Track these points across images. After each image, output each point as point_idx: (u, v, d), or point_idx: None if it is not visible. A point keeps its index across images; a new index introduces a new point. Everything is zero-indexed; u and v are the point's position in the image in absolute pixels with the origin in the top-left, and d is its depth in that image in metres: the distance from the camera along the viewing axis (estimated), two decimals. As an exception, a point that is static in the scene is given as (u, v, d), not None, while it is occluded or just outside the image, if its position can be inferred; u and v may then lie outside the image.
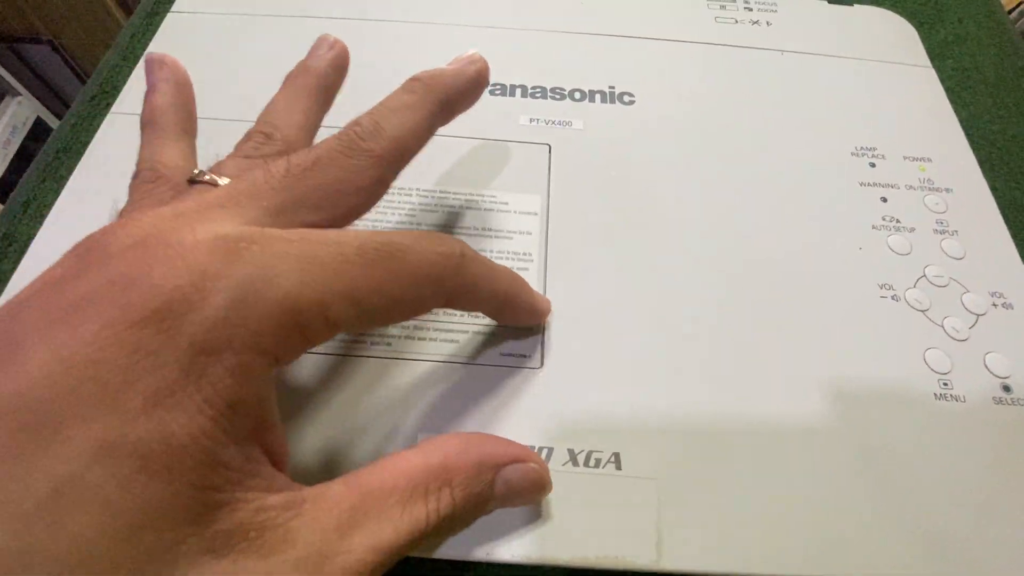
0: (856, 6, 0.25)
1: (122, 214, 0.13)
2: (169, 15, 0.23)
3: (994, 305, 0.17)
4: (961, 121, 0.39)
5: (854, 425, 0.15)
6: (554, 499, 0.14)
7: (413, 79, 0.15)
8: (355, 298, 0.11)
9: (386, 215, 0.18)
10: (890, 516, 0.14)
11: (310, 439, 0.14)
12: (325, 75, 0.16)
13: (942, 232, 0.19)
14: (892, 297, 0.17)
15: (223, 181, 0.13)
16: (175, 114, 0.15)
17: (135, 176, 0.14)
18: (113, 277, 0.09)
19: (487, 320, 0.16)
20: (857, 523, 0.14)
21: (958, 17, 0.43)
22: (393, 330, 0.16)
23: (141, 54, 0.35)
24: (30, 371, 0.08)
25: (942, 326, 0.17)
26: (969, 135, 0.37)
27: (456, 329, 0.16)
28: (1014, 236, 0.31)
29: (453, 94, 0.15)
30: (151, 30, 0.37)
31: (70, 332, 0.09)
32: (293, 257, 0.10)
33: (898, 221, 0.19)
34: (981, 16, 0.44)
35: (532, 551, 0.13)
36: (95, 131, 0.32)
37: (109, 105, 0.33)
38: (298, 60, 0.16)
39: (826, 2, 0.25)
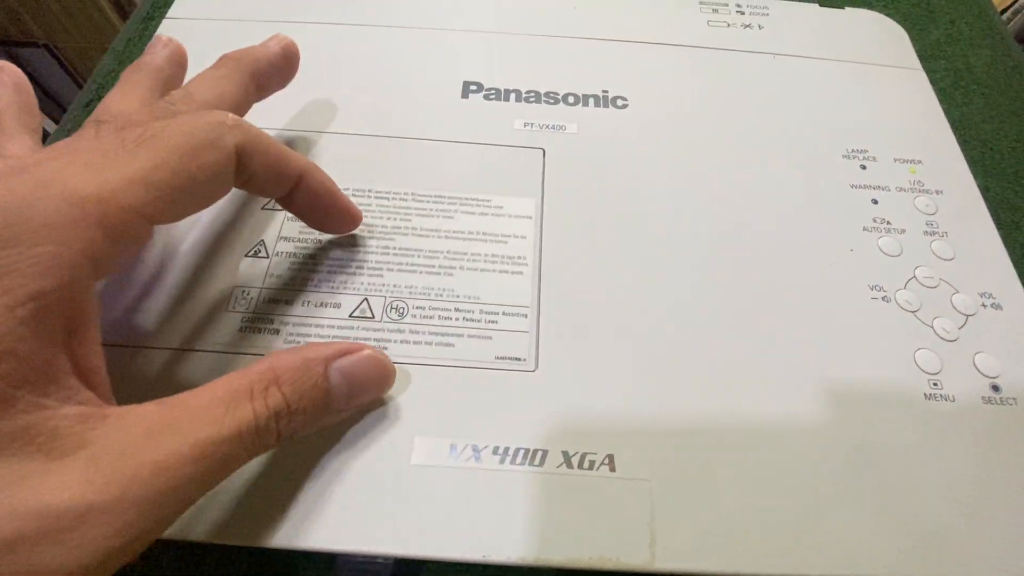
0: (847, 9, 0.25)
1: None
2: (165, 20, 0.23)
3: (983, 306, 0.18)
4: (954, 122, 0.39)
5: (845, 425, 0.16)
6: (549, 501, 0.14)
7: (223, 56, 0.17)
8: (141, 180, 0.12)
9: (381, 219, 0.18)
10: (881, 514, 0.14)
11: (303, 441, 0.14)
12: (159, 69, 0.17)
13: (932, 233, 0.19)
14: (883, 298, 0.18)
15: None
16: (14, 114, 0.15)
17: None
18: None
19: (482, 323, 0.16)
20: (848, 522, 0.14)
21: (950, 18, 0.44)
22: (388, 335, 0.16)
23: (135, 57, 0.35)
24: None
25: (932, 327, 0.17)
26: (962, 136, 0.37)
27: (451, 333, 0.16)
28: (1007, 236, 0.32)
29: (262, 67, 0.17)
30: (147, 35, 0.37)
31: None
32: (76, 164, 0.11)
33: (889, 223, 0.19)
34: (972, 17, 0.44)
35: (527, 552, 0.13)
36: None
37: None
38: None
39: (817, 5, 0.25)
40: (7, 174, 0.11)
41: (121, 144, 0.12)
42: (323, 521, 0.13)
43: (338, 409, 0.13)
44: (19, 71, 0.16)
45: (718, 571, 0.14)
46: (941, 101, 0.40)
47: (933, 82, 0.41)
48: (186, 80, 0.17)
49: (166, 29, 0.23)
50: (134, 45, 0.36)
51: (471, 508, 0.14)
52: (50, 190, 0.11)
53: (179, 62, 0.18)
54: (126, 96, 0.16)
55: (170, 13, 0.23)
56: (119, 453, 0.10)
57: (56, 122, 1.38)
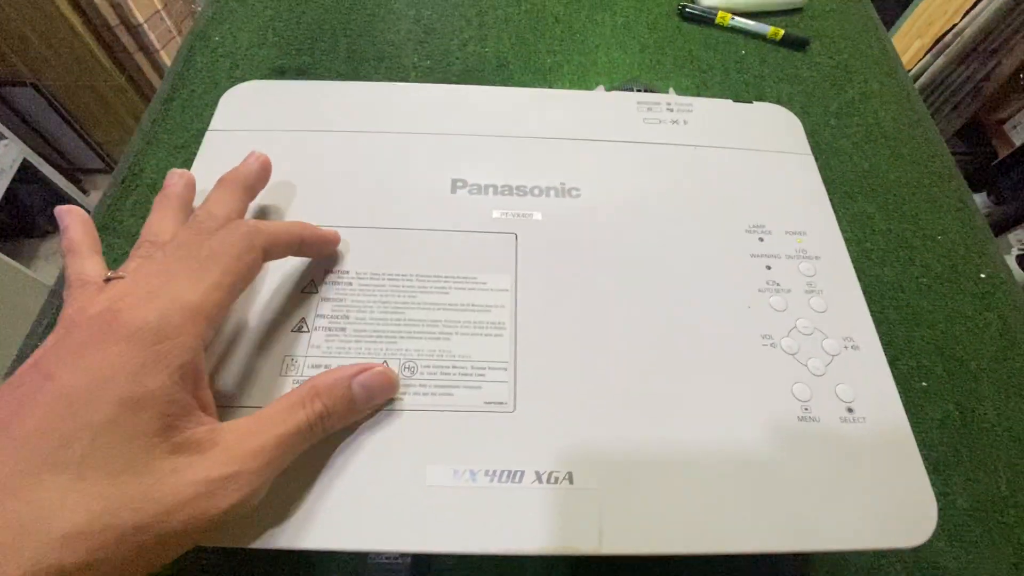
0: (755, 103, 0.32)
1: (64, 311, 0.19)
2: (208, 133, 0.28)
3: (845, 347, 0.24)
4: (864, 171, 0.46)
5: (741, 441, 0.21)
6: (526, 507, 0.20)
7: (221, 180, 0.24)
8: (219, 284, 0.19)
9: (394, 296, 0.24)
10: (765, 504, 0.20)
11: (343, 466, 0.20)
12: (181, 195, 0.24)
13: (811, 291, 0.25)
14: (771, 344, 0.24)
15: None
16: (86, 242, 0.22)
17: (68, 287, 0.20)
18: (96, 331, 0.17)
19: (473, 377, 0.22)
20: (741, 510, 0.20)
21: (864, 77, 0.51)
22: (404, 388, 0.22)
23: (162, 138, 0.41)
24: (63, 381, 0.16)
25: (806, 365, 0.23)
26: (870, 184, 0.45)
27: (450, 385, 0.22)
28: (904, 270, 0.39)
29: (250, 181, 0.24)
30: (169, 115, 0.42)
31: (84, 360, 0.16)
32: (182, 283, 0.19)
33: (778, 284, 0.25)
34: (884, 75, 0.52)
35: (511, 545, 0.19)
36: (127, 209, 0.37)
37: (138, 187, 0.39)
38: (318, 164, 0.26)
39: (731, 101, 0.32)
40: (147, 299, 0.18)
41: (195, 260, 0.19)
42: (361, 527, 0.19)
43: (360, 410, 0.21)
44: (82, 212, 0.23)
45: (649, 551, 0.19)
46: (853, 153, 0.47)
47: (846, 136, 0.48)
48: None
49: (209, 141, 0.28)
50: (159, 125, 0.42)
51: (470, 515, 0.19)
52: (175, 304, 0.18)
53: (192, 187, 0.25)
54: (164, 220, 0.23)
55: (211, 126, 0.29)
56: (236, 446, 0.18)
57: (45, 159, 1.39)
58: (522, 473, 0.20)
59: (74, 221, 0.22)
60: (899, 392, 0.23)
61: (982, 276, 0.39)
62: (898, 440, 0.22)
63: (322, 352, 0.22)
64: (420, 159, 0.28)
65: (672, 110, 0.31)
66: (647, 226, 0.27)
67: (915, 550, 0.29)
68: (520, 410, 0.22)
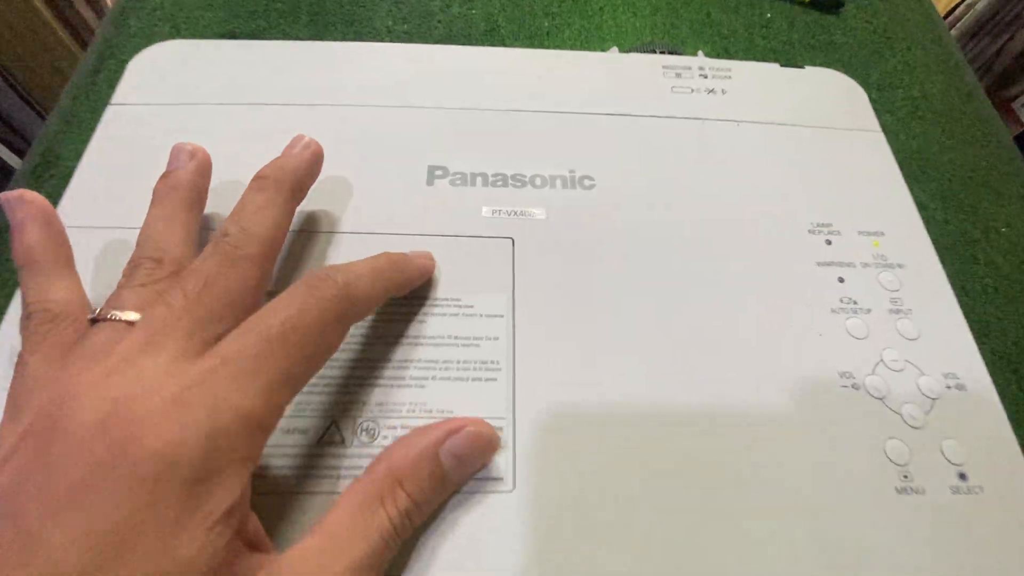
0: (808, 68, 0.26)
1: (23, 357, 0.14)
2: (109, 107, 0.22)
3: (948, 387, 0.18)
4: (911, 152, 0.40)
5: (821, 521, 0.16)
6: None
7: (260, 177, 0.17)
8: (287, 378, 0.13)
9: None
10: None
11: None
12: (194, 185, 0.17)
13: (897, 312, 0.19)
14: (852, 386, 0.18)
15: (127, 316, 0.14)
16: (51, 250, 0.15)
17: (27, 318, 0.14)
18: (98, 459, 0.11)
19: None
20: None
21: (907, 44, 0.45)
22: (360, 461, 0.16)
23: (85, 117, 0.34)
24: (54, 552, 0.10)
25: (900, 413, 0.17)
26: (920, 167, 0.38)
27: (425, 454, 0.16)
28: (965, 269, 0.33)
29: (299, 181, 0.17)
30: (94, 90, 0.35)
31: (85, 515, 0.11)
32: (227, 379, 0.12)
33: (855, 303, 0.19)
34: (928, 42, 0.45)
35: None
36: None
37: (53, 177, 0.32)
38: (251, 148, 0.18)
39: (778, 65, 0.25)
40: (178, 402, 0.12)
41: (249, 350, 0.13)
42: None
43: (455, 484, 0.15)
44: (45, 201, 0.16)
45: None
46: (899, 131, 0.41)
47: (890, 111, 0.42)
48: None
49: (112, 116, 0.22)
50: (80, 103, 0.35)
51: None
52: (224, 414, 0.12)
53: (206, 172, 0.18)
54: (173, 225, 0.16)
55: (114, 99, 0.22)
56: None
57: (7, 145, 1.31)
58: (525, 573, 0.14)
59: (31, 216, 0.16)
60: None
61: (1056, 275, 0.34)
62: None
63: (247, 410, 0.16)
64: (385, 140, 0.22)
65: (707, 76, 0.24)
66: (680, 227, 0.20)
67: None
68: (522, 490, 0.16)
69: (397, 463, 0.14)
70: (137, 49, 0.37)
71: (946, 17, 1.43)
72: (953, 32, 1.40)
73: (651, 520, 0.15)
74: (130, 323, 0.14)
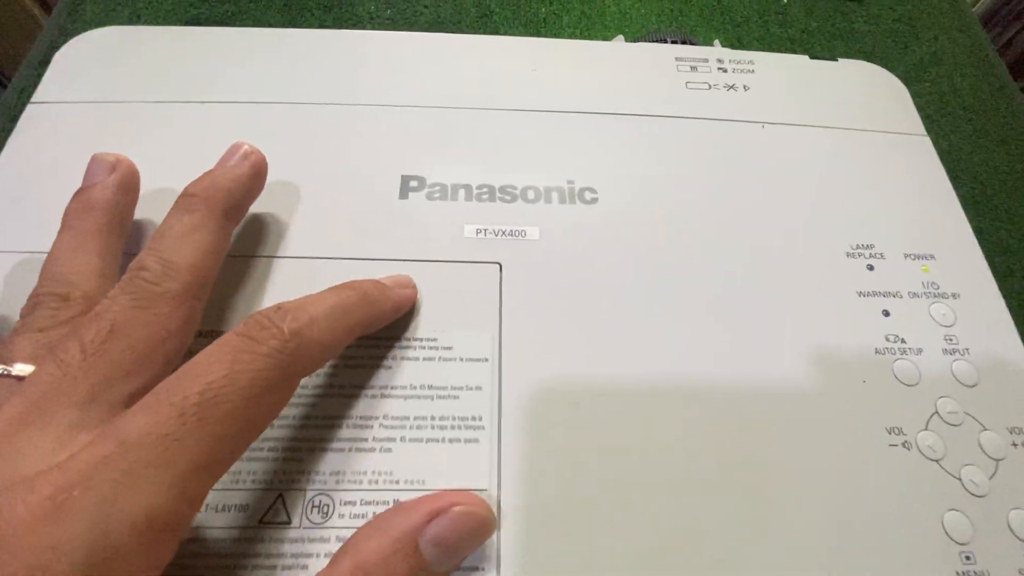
0: (841, 60, 0.22)
1: None
2: (28, 106, 0.19)
3: (1014, 444, 0.15)
4: (942, 151, 0.36)
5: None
6: None
7: (187, 195, 0.14)
8: (208, 463, 0.10)
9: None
10: None
11: None
12: (113, 204, 0.15)
13: (952, 352, 0.16)
14: (903, 444, 0.15)
15: (17, 370, 0.12)
16: None
17: None
18: None
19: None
20: None
21: (934, 34, 0.42)
22: (309, 545, 0.13)
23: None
24: None
25: (959, 479, 0.15)
26: (951, 169, 0.35)
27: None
28: (1001, 283, 0.30)
29: (235, 199, 0.15)
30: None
31: None
32: (125, 472, 0.10)
33: (904, 341, 0.16)
34: (955, 31, 0.42)
35: None
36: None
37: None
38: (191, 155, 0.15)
39: (807, 57, 0.22)
40: (50, 513, 0.09)
41: (157, 431, 0.10)
42: None
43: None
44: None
45: None
46: (929, 130, 0.37)
47: (918, 107, 0.38)
48: None
49: (30, 116, 0.18)
50: (28, 94, 0.31)
51: None
52: (114, 526, 0.09)
53: (131, 188, 0.15)
54: (83, 252, 0.14)
55: (34, 97, 0.19)
56: None
57: None
58: None
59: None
60: None
61: (1102, 290, 0.31)
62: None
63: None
64: (351, 145, 0.18)
65: (726, 70, 0.21)
66: (695, 250, 0.17)
67: None
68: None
69: (366, 558, 0.11)
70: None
71: (957, 5, 1.39)
72: (964, 20, 1.36)
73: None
74: (20, 379, 0.11)
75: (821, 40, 0.40)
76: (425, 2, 0.38)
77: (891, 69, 0.39)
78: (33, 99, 0.19)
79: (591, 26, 0.38)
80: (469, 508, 0.12)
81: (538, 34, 0.37)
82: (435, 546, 0.12)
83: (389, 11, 0.37)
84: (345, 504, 0.13)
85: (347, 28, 0.36)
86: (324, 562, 0.13)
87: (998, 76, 0.40)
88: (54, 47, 0.33)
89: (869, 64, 0.23)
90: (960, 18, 0.42)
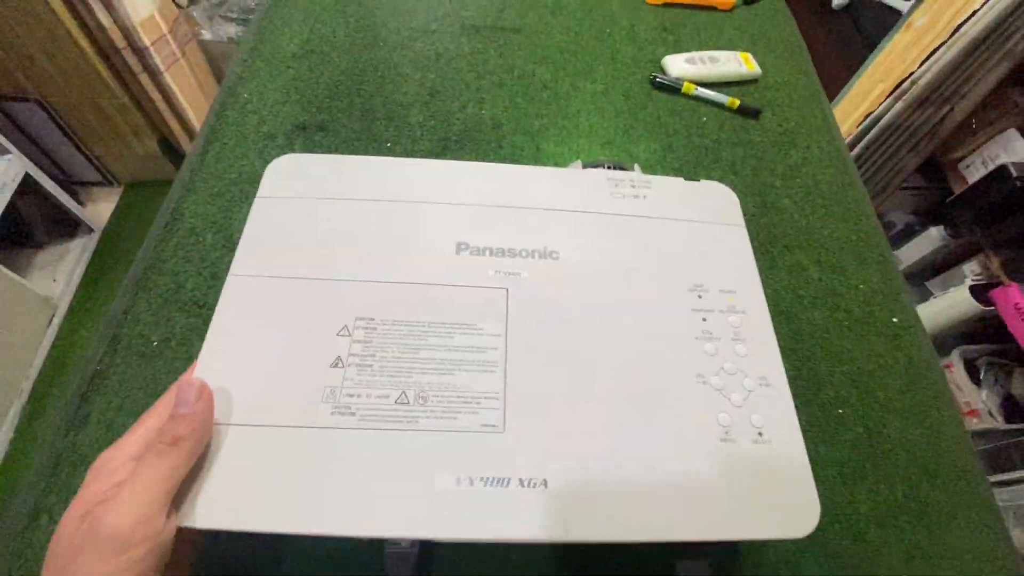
0: (702, 181, 0.39)
1: None
2: (256, 200, 0.35)
3: (760, 384, 0.31)
4: (801, 228, 0.54)
5: (675, 459, 0.28)
6: (513, 507, 0.26)
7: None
8: None
9: (409, 340, 0.30)
10: (691, 503, 0.27)
11: (330, 480, 0.26)
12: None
13: (736, 339, 0.32)
14: (702, 382, 0.31)
15: None
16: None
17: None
18: None
19: (472, 404, 0.29)
20: (675, 508, 0.27)
21: (807, 143, 0.60)
22: (418, 413, 0.28)
23: (199, 186, 0.47)
24: None
25: (729, 399, 0.30)
26: (806, 239, 0.52)
27: (454, 411, 0.28)
28: (830, 315, 0.46)
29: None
30: (204, 166, 0.48)
31: None
32: None
33: (711, 334, 0.32)
34: (824, 142, 0.60)
35: (495, 534, 0.25)
36: (169, 251, 0.43)
37: (179, 230, 0.45)
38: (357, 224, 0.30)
39: (683, 179, 0.39)
40: None
41: None
42: (384, 519, 0.25)
43: (189, 414, 0.25)
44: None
45: (603, 539, 0.26)
46: (795, 211, 0.55)
47: (789, 195, 0.56)
48: None
49: (258, 206, 0.35)
50: (196, 175, 0.48)
51: (469, 512, 0.26)
52: None
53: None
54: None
55: (259, 193, 0.35)
56: None
57: (47, 174, 1.43)
58: (508, 480, 0.27)
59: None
60: (820, 417, 0.29)
61: (894, 320, 0.47)
62: (796, 458, 0.29)
63: (355, 384, 0.29)
64: (432, 225, 0.35)
65: (635, 187, 0.38)
66: (612, 284, 0.34)
67: (825, 546, 0.36)
68: (508, 431, 0.28)
69: (157, 433, 0.25)
70: (234, 135, 0.51)
71: (895, 89, 1.61)
72: (900, 103, 1.58)
73: (584, 449, 0.28)
74: None
75: (727, 147, 0.57)
76: (457, 115, 0.55)
77: (774, 168, 0.57)
78: (258, 195, 0.35)
79: (568, 136, 0.55)
80: (185, 379, 0.27)
81: (533, 140, 0.55)
82: (178, 404, 0.25)
83: (433, 121, 0.55)
84: (434, 396, 0.29)
85: (404, 131, 0.53)
86: (425, 421, 0.28)
87: (849, 175, 0.57)
88: (209, 142, 0.50)
89: (717, 184, 0.39)
90: (828, 132, 0.60)
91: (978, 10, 1.42)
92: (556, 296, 0.33)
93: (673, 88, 0.60)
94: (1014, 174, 1.42)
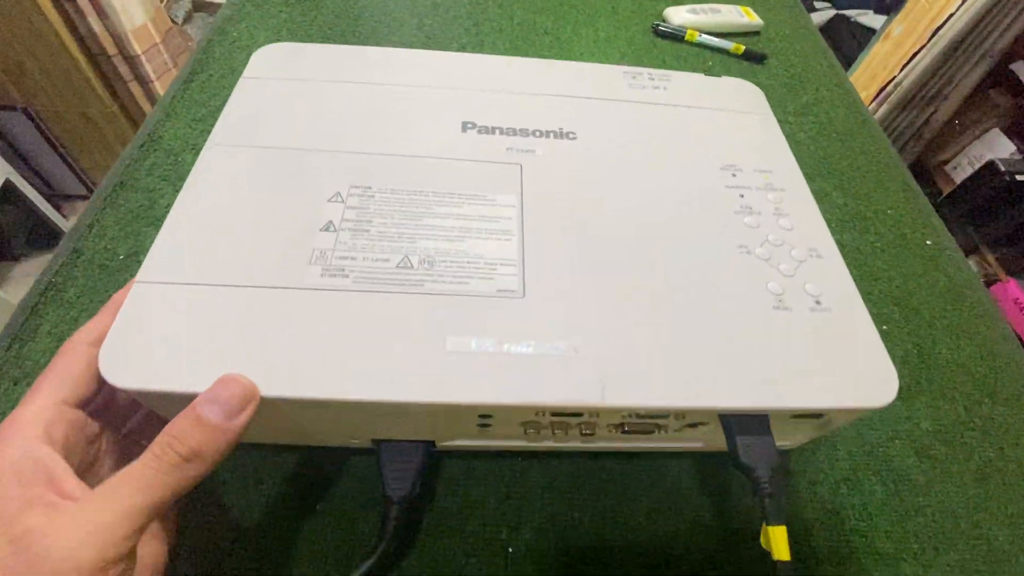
0: (724, 77, 0.37)
1: None
2: (241, 80, 0.31)
3: (811, 256, 0.27)
4: (819, 160, 0.51)
5: (724, 321, 0.24)
6: (536, 368, 0.22)
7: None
8: None
9: (411, 208, 0.26)
10: (746, 368, 0.23)
11: (331, 342, 0.22)
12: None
13: (778, 214, 0.29)
14: (746, 252, 0.27)
15: None
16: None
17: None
18: None
19: (483, 270, 0.25)
20: (727, 371, 0.22)
21: (816, 87, 0.58)
22: (423, 277, 0.24)
23: (181, 112, 0.43)
24: None
25: (778, 268, 0.26)
26: (825, 169, 0.49)
27: (466, 277, 0.24)
28: (860, 237, 0.43)
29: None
30: (188, 94, 0.45)
31: None
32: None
33: (750, 208, 0.29)
34: (833, 86, 0.58)
35: (519, 396, 0.21)
36: (144, 170, 0.39)
37: (156, 151, 0.41)
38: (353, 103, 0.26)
39: (703, 75, 0.37)
40: None
41: None
42: (388, 379, 0.21)
43: (227, 428, 0.18)
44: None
45: (646, 405, 0.21)
46: (810, 144, 0.52)
47: (803, 131, 0.53)
48: None
49: (242, 86, 0.31)
50: (178, 101, 0.44)
51: (487, 374, 0.21)
52: None
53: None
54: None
55: (244, 75, 0.32)
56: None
57: (28, 182, 1.39)
58: (534, 343, 0.22)
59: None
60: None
61: (928, 243, 0.44)
62: (861, 325, 0.25)
63: (348, 248, 0.24)
64: (434, 105, 0.31)
65: (653, 79, 0.35)
66: (636, 162, 0.30)
67: (888, 463, 0.31)
68: (529, 296, 0.24)
69: (167, 428, 0.18)
70: (221, 68, 0.48)
71: (879, 94, 1.65)
72: (885, 106, 1.61)
73: (607, 321, 0.24)
74: None
75: (735, 88, 0.55)
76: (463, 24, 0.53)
77: (785, 107, 0.55)
78: (243, 76, 0.32)
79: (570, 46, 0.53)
80: (227, 376, 0.19)
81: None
82: (206, 403, 0.18)
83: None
84: (440, 262, 0.24)
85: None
86: (432, 285, 0.24)
87: (862, 114, 0.55)
88: (194, 72, 0.47)
89: (742, 80, 0.37)
90: (836, 77, 0.59)
91: (954, 13, 1.46)
92: (576, 172, 0.29)
93: (676, 36, 0.58)
94: (1002, 169, 1.43)
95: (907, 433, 0.33)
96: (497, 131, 0.31)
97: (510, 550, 0.27)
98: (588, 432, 0.24)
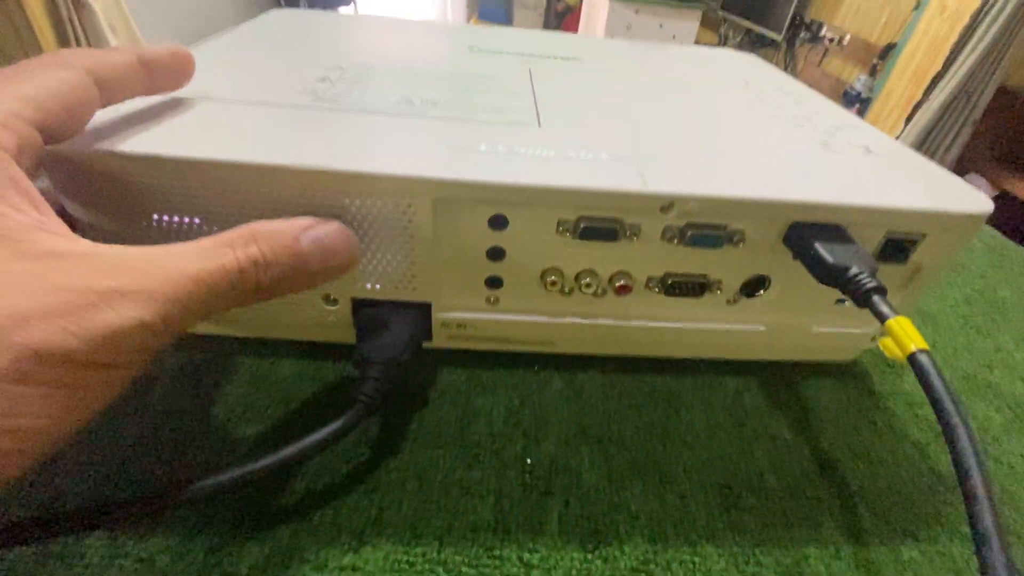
0: (721, 48, 0.39)
1: None
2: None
3: (847, 125, 0.25)
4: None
5: (778, 155, 0.21)
6: (562, 166, 0.18)
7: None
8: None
9: (399, 78, 0.25)
10: (815, 177, 0.19)
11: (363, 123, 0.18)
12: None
13: (800, 103, 0.27)
14: (777, 118, 0.25)
15: None
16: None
17: None
18: None
19: (491, 111, 0.22)
20: (776, 173, 0.19)
21: None
22: (445, 112, 0.21)
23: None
24: None
25: (815, 127, 0.24)
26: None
27: (467, 110, 0.22)
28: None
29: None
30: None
31: None
32: None
33: (771, 102, 0.27)
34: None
35: (545, 178, 0.17)
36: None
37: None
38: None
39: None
40: None
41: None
42: (391, 155, 0.17)
43: (312, 271, 0.15)
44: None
45: (690, 192, 0.17)
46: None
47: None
48: None
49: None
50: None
51: (505, 165, 0.18)
52: None
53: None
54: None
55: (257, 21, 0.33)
56: (132, 263, 0.12)
57: None
58: (556, 156, 0.19)
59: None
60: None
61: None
62: (927, 165, 0.22)
63: (346, 90, 0.22)
64: (439, 39, 0.32)
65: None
66: (649, 76, 0.30)
67: (994, 388, 0.25)
68: (544, 127, 0.21)
69: (259, 227, 0.14)
70: None
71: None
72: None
73: (626, 137, 0.21)
74: None
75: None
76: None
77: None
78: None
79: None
80: (343, 228, 0.15)
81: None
82: (312, 241, 0.15)
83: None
84: (444, 103, 0.22)
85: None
86: (436, 113, 0.21)
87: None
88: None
89: (743, 52, 0.39)
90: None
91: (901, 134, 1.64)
92: (576, 78, 0.29)
93: None
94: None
95: (1002, 361, 0.27)
96: (503, 53, 0.31)
97: (528, 461, 0.19)
98: (624, 285, 0.20)
